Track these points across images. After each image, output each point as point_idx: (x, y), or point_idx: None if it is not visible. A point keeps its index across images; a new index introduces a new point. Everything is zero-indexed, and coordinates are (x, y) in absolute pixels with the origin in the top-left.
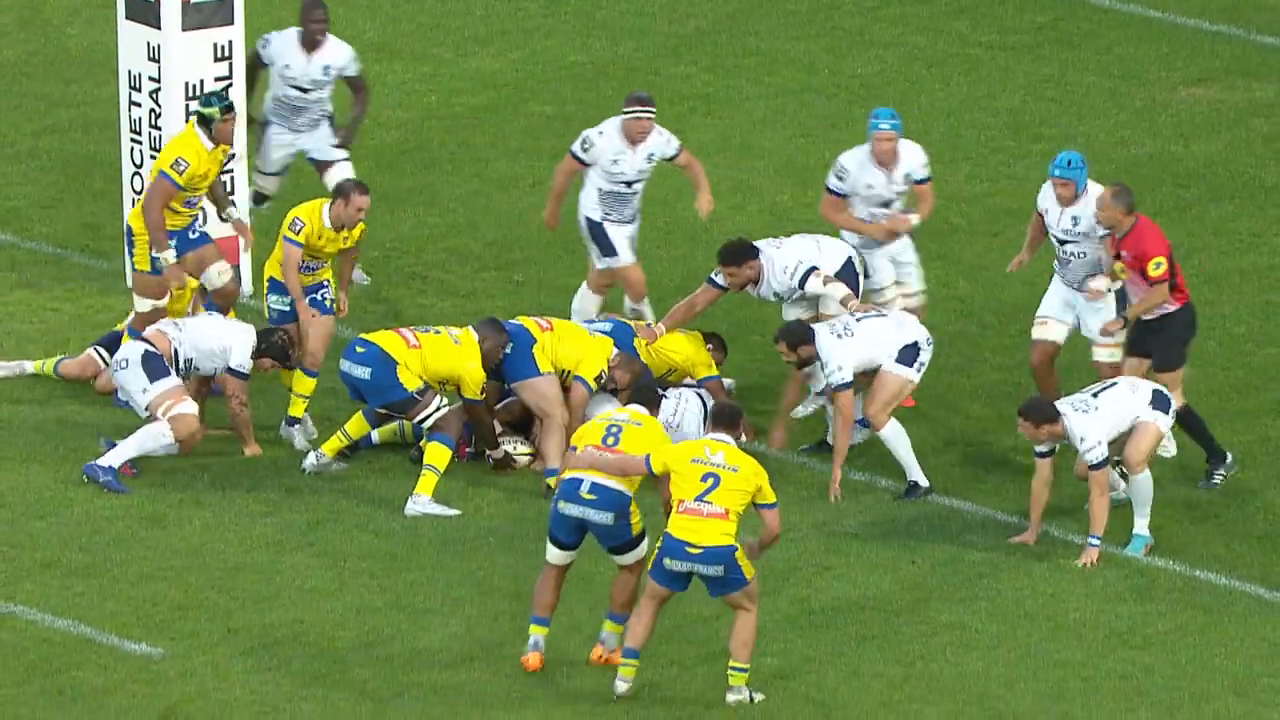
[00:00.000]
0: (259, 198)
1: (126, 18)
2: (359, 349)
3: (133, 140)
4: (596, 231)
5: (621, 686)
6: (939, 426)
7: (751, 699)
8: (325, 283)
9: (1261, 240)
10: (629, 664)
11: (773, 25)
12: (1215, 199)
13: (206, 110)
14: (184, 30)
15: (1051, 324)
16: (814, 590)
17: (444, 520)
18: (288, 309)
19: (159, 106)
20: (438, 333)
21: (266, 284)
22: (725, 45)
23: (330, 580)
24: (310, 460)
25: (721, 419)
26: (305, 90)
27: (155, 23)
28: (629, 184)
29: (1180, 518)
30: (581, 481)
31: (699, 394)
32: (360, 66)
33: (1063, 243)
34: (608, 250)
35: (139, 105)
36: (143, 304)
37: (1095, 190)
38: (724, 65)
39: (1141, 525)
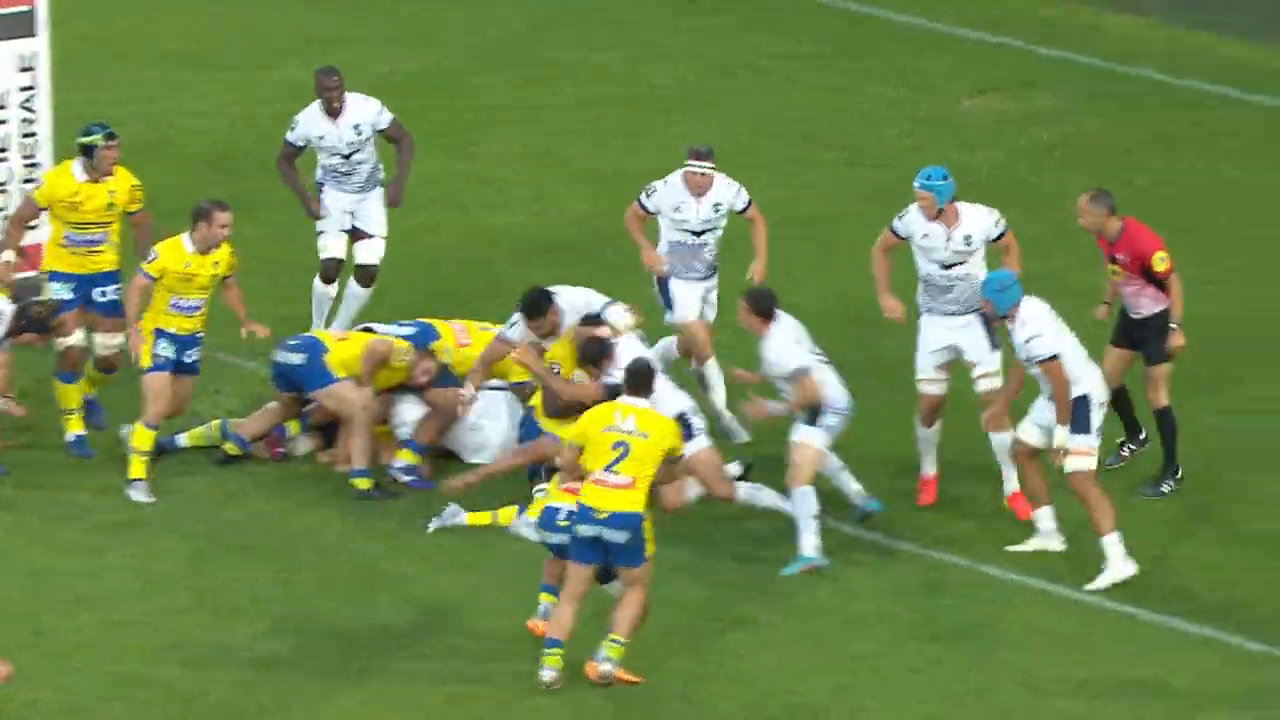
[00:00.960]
0: (331, 264)
1: None
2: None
3: None
4: (661, 284)
5: (548, 675)
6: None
7: (621, 676)
8: (198, 337)
9: (1042, 246)
10: (552, 654)
11: (571, 37)
12: (998, 205)
13: (87, 139)
14: None
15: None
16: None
17: (252, 522)
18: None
19: None
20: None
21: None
22: (525, 56)
23: (139, 582)
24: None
25: (636, 380)
26: (347, 156)
27: None
28: (696, 234)
29: (967, 516)
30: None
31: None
32: (391, 117)
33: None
34: (669, 303)
35: None
36: None
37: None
38: (523, 76)
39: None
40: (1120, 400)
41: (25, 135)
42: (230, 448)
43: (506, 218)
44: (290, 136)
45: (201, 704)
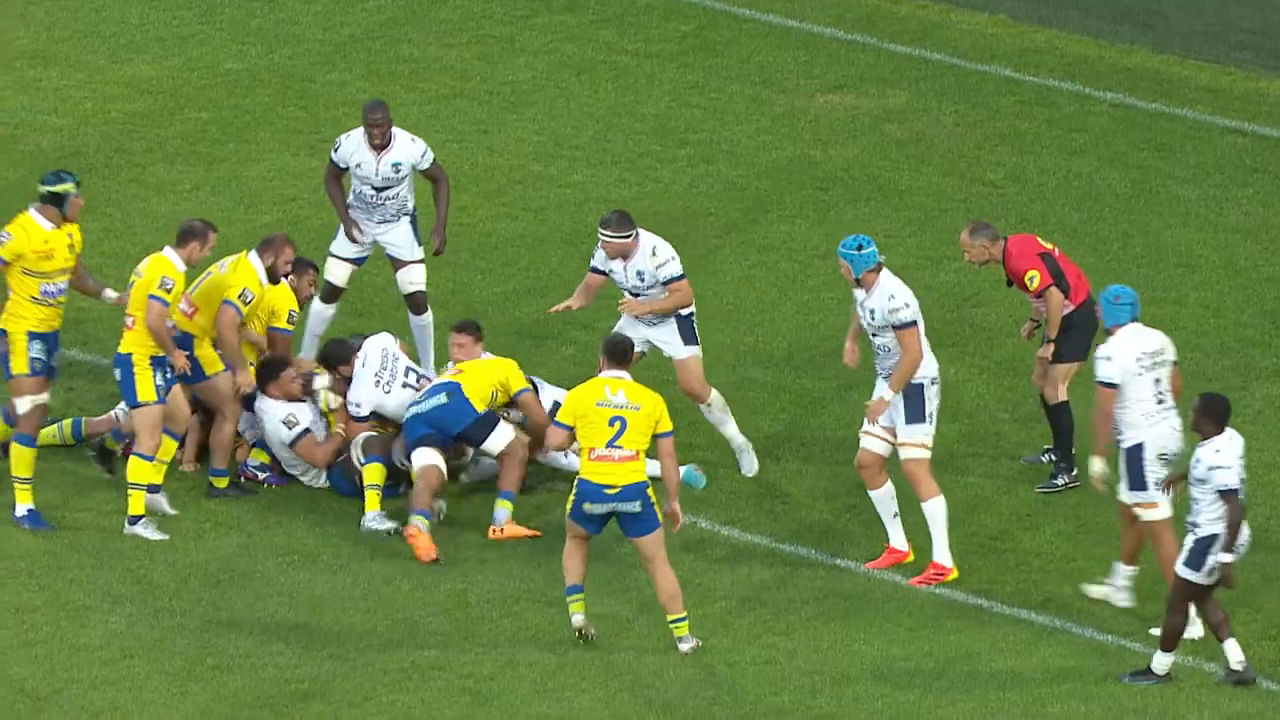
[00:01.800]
0: (331, 289)
1: None
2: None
3: None
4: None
5: (579, 620)
6: None
7: (699, 644)
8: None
9: (897, 240)
10: (576, 599)
11: (425, 33)
12: (853, 201)
13: (60, 187)
14: None
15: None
16: (470, 584)
17: (103, 520)
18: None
19: None
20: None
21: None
22: (379, 52)
23: None
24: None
25: (615, 353)
26: (378, 189)
27: None
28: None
29: (822, 509)
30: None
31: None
32: (434, 159)
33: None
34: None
35: None
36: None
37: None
38: (378, 72)
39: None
40: (1059, 420)
41: None
42: (111, 443)
43: None
44: (334, 156)
45: (55, 704)
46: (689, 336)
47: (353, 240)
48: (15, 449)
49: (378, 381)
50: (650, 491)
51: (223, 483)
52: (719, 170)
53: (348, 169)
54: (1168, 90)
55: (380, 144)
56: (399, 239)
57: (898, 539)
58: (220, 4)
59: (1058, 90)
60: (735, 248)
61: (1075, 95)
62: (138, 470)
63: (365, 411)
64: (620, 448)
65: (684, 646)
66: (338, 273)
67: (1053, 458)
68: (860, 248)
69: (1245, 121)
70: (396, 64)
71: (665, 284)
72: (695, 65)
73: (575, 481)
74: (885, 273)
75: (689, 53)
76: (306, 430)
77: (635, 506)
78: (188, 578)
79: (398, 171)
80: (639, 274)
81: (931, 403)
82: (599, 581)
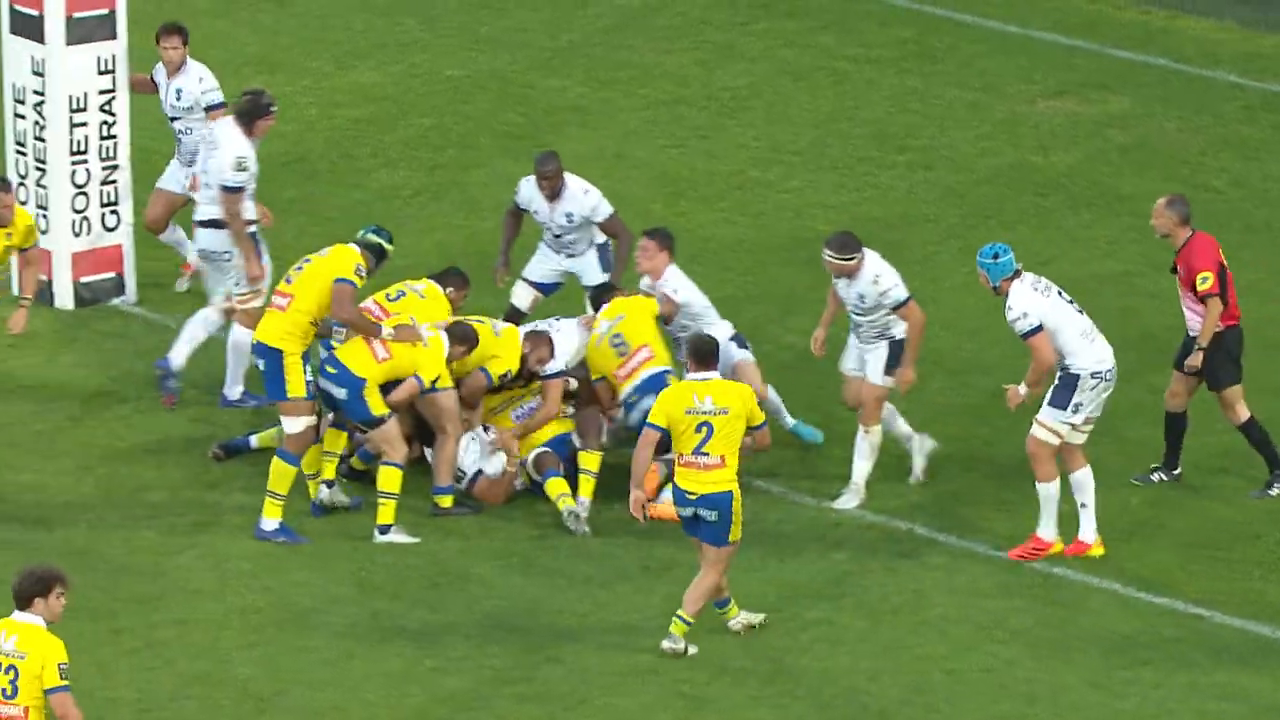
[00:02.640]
0: (510, 309)
1: (11, 32)
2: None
3: (17, 152)
4: None
5: (735, 623)
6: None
7: (686, 650)
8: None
9: (1118, 247)
10: (729, 610)
11: (645, 39)
12: (1074, 207)
13: None
14: (68, 44)
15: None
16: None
17: (325, 521)
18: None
19: (43, 119)
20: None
21: None
22: (599, 59)
23: (213, 581)
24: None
25: (701, 354)
26: (558, 235)
27: (39, 37)
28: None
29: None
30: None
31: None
32: (609, 212)
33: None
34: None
35: (23, 118)
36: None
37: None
38: (598, 78)
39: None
40: (1173, 426)
41: (104, 138)
42: (358, 463)
43: None
44: (516, 197)
45: (278, 705)
46: (892, 364)
47: (496, 283)
48: (277, 462)
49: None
50: (735, 505)
51: (447, 501)
52: (938, 176)
53: (526, 211)
54: None
55: (549, 196)
56: (586, 268)
57: (1049, 530)
58: (442, 11)
59: None
60: (954, 254)
61: None
62: (388, 479)
63: (560, 365)
64: (706, 454)
65: (665, 643)
66: (522, 297)
67: (1162, 476)
68: (996, 256)
69: None
70: (616, 70)
71: (893, 309)
72: (914, 71)
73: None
74: (1017, 283)
75: (908, 58)
76: (479, 472)
77: (713, 515)
78: (406, 580)
79: (570, 221)
80: (860, 296)
81: (1083, 394)
82: (813, 590)
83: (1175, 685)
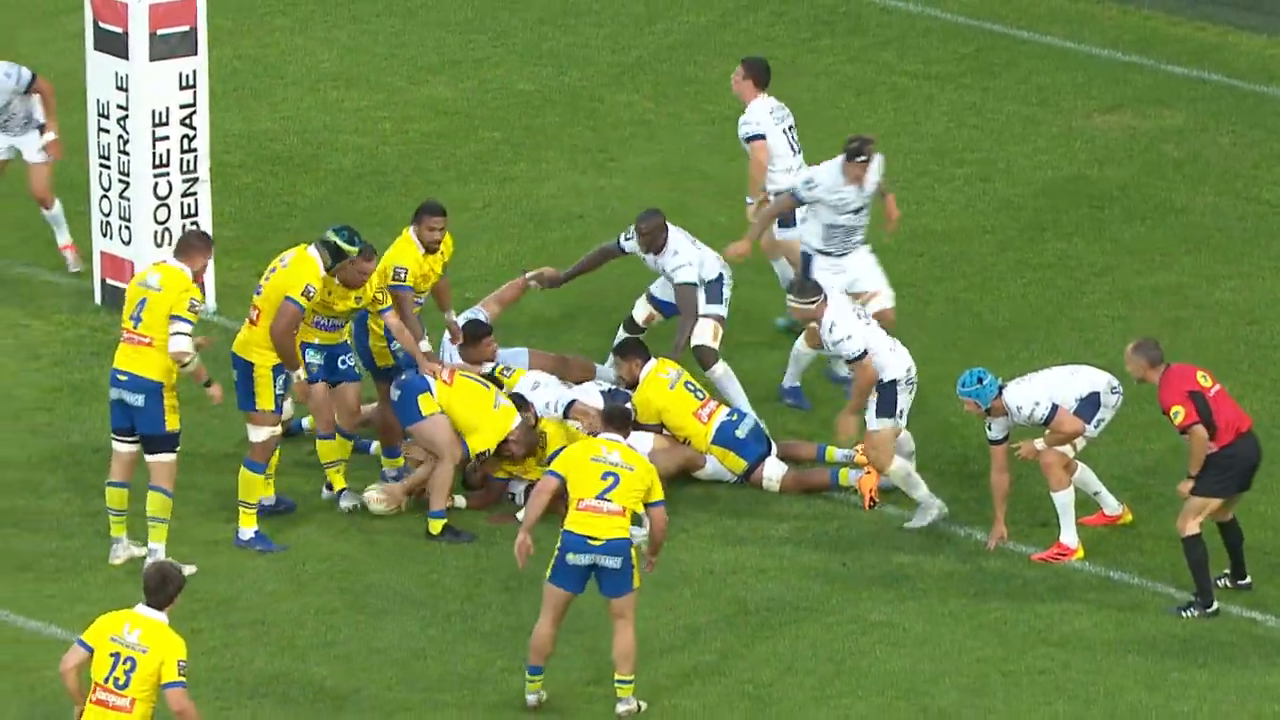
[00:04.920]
0: (630, 323)
1: (95, 49)
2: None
3: (101, 165)
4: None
5: (533, 700)
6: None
7: (639, 708)
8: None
9: (1172, 259)
10: (536, 680)
11: (710, 55)
12: (1129, 220)
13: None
14: (150, 60)
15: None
16: (750, 591)
17: (399, 524)
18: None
19: (127, 133)
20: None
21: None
22: (665, 74)
23: (289, 582)
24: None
25: (614, 419)
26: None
27: (123, 53)
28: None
29: (1095, 525)
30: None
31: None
32: (685, 280)
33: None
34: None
35: (107, 132)
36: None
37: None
38: (664, 93)
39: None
40: (1225, 536)
41: (185, 151)
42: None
43: None
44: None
45: (353, 703)
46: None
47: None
48: (245, 473)
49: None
50: (633, 552)
51: (437, 527)
52: (996, 189)
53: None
54: None
55: (648, 249)
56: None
57: (1069, 536)
58: (513, 28)
59: None
60: (1012, 265)
61: None
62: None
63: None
64: (610, 501)
65: (620, 708)
66: (640, 311)
67: (1227, 584)
68: (981, 381)
69: None
70: (683, 85)
71: (848, 361)
72: (973, 86)
73: (559, 538)
74: (1005, 393)
75: (967, 74)
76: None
77: (615, 563)
78: (479, 582)
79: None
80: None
81: (1105, 410)
82: (875, 593)
83: (1230, 688)
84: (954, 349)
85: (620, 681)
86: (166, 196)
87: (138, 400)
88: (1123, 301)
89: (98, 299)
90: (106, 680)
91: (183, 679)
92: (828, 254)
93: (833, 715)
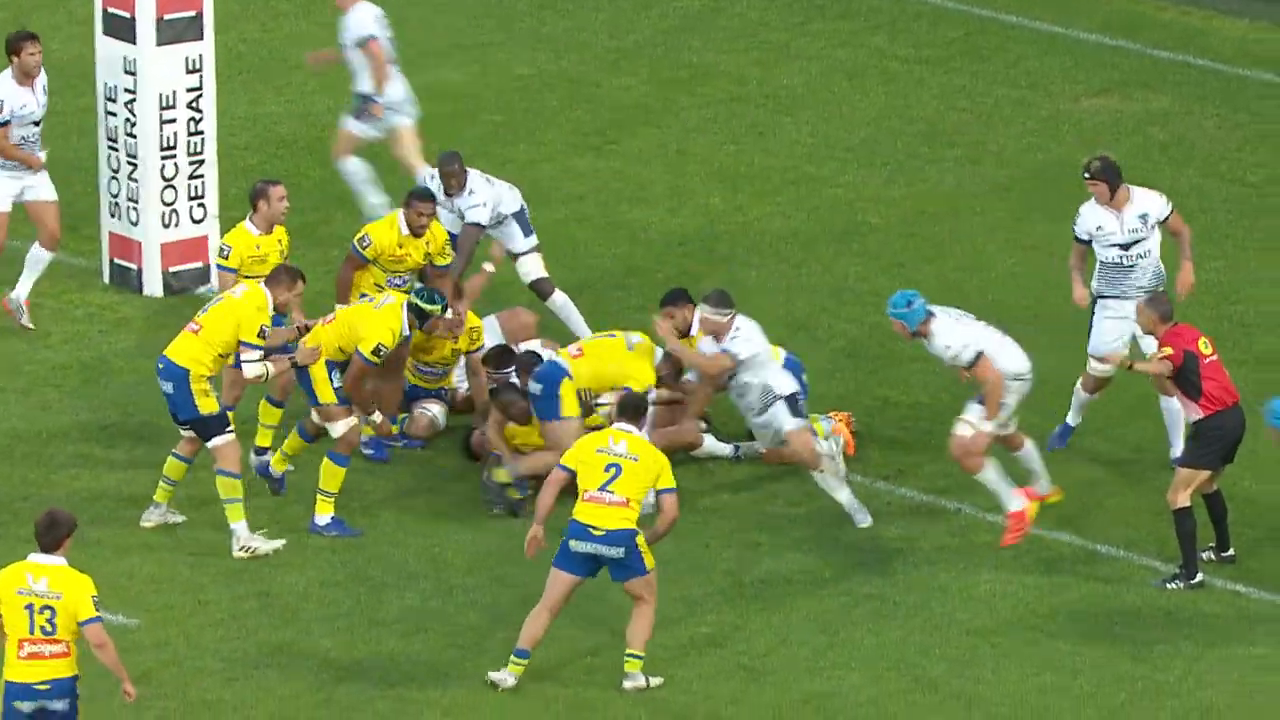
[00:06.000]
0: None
1: (104, 33)
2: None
3: (109, 148)
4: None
5: (509, 680)
6: (861, 414)
7: (648, 683)
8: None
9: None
10: (520, 663)
11: (706, 40)
12: None
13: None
14: (158, 45)
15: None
16: (744, 565)
17: (401, 500)
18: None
19: (134, 116)
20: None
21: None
22: (661, 58)
23: (295, 556)
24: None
25: (627, 409)
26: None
27: (131, 38)
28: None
29: (1082, 496)
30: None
31: None
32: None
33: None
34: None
35: (115, 115)
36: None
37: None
38: (660, 77)
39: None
40: (1211, 510)
41: (192, 134)
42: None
43: (645, 213)
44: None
45: (355, 673)
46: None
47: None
48: (328, 466)
49: None
50: (640, 540)
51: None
52: (985, 171)
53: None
54: None
55: (449, 191)
56: (506, 234)
57: (1013, 501)
58: (515, 13)
59: None
60: (1001, 246)
61: None
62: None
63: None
64: (612, 492)
65: (627, 684)
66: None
67: (1213, 557)
68: (910, 304)
69: None
70: (678, 69)
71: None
72: (963, 70)
73: (568, 522)
74: (935, 322)
75: (956, 58)
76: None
77: (619, 553)
78: (479, 556)
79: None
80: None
81: (1008, 396)
82: (866, 566)
83: (1215, 658)
84: None
85: (631, 656)
86: (173, 178)
87: (167, 387)
88: (1073, 258)
89: (105, 278)
90: (32, 632)
91: (99, 614)
92: None
93: (825, 686)
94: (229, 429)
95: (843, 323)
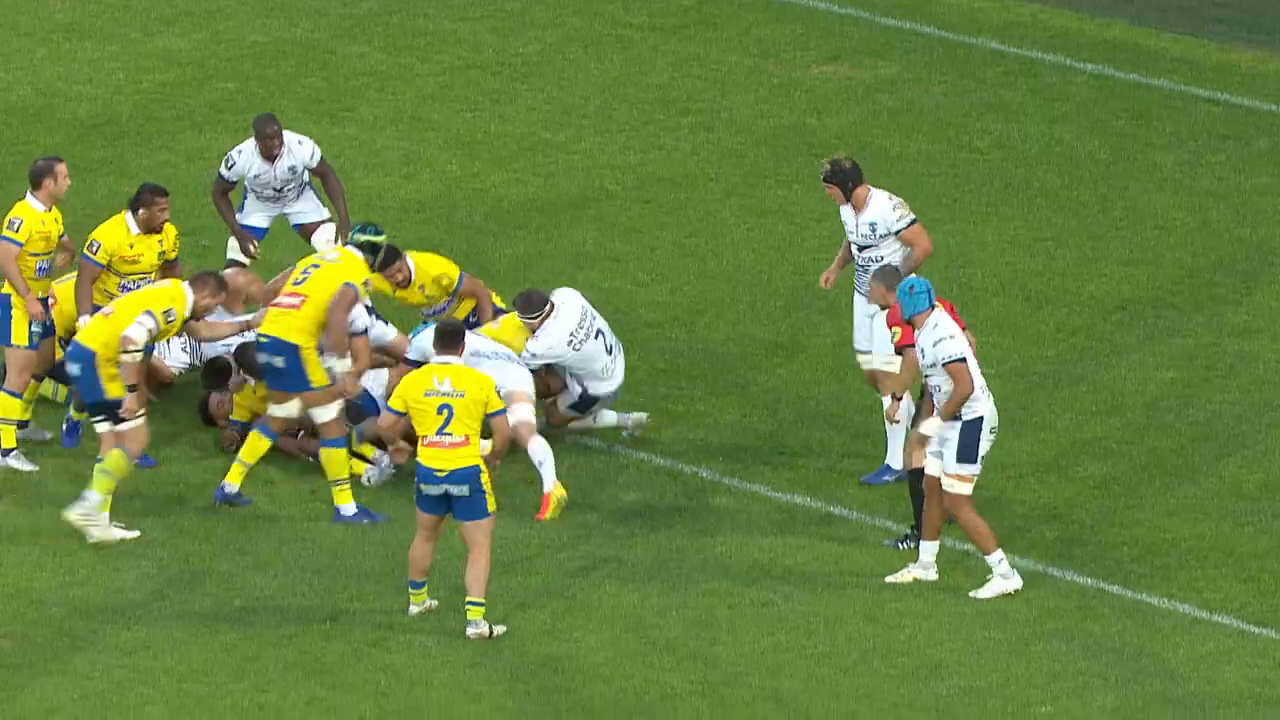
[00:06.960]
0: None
1: None
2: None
3: None
4: None
5: (415, 610)
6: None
7: (491, 631)
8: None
9: None
10: (418, 593)
11: (440, 7)
12: None
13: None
14: None
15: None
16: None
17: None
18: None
19: None
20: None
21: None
22: (396, 25)
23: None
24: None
25: (446, 340)
26: (278, 190)
27: None
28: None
29: (818, 460)
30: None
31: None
32: (321, 157)
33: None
34: None
35: None
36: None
37: (934, 318)
38: (395, 44)
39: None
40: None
41: None
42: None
43: (380, 179)
44: (229, 173)
45: (91, 641)
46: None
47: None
48: (326, 452)
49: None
50: (484, 479)
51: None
52: (719, 138)
53: (236, 182)
54: (1145, 61)
55: (268, 156)
56: (304, 207)
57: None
58: None
59: (1040, 62)
60: (735, 211)
61: (1057, 66)
62: (7, 407)
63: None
64: (450, 434)
65: (470, 630)
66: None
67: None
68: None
69: (1218, 91)
70: (413, 37)
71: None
72: (696, 38)
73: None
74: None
75: (690, 26)
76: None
77: (464, 490)
78: (216, 523)
79: (294, 174)
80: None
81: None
82: (605, 530)
83: (945, 616)
84: (680, 294)
85: (472, 604)
86: None
87: (74, 370)
88: (841, 246)
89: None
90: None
91: None
92: None
93: (564, 648)
94: (140, 415)
95: (580, 288)
